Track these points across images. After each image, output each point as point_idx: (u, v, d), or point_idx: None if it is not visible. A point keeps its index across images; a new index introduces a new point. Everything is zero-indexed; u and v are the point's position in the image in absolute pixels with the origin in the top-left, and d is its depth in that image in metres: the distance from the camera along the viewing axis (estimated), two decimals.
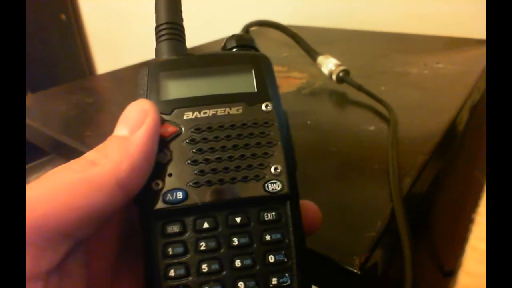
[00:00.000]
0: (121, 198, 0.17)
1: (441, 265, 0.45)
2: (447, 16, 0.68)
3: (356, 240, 0.24)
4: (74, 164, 0.17)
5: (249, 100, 0.19)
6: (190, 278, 0.17)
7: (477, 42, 0.59)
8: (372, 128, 0.37)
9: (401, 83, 0.47)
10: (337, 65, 0.46)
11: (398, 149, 0.32)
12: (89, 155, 0.17)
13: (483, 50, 0.56)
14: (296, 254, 0.18)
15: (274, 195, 0.18)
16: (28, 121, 0.44)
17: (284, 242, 0.18)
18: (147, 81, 0.19)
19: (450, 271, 0.44)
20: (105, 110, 0.47)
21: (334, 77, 0.45)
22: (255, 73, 0.20)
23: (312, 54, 0.49)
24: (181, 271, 0.17)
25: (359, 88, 0.43)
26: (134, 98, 0.19)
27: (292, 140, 0.20)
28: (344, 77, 0.45)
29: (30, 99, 0.51)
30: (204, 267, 0.17)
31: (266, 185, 0.18)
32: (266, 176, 0.18)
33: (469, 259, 0.18)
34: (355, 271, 0.22)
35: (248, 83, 0.20)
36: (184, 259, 0.17)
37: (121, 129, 0.18)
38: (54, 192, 0.15)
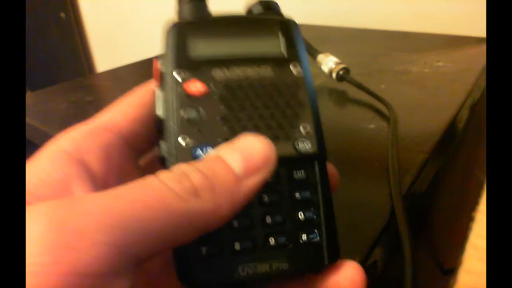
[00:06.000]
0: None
1: (441, 263, 0.45)
2: (447, 14, 0.68)
3: (356, 238, 0.24)
4: (177, 184, 0.15)
5: (278, 61, 0.20)
6: (221, 234, 0.17)
7: (477, 40, 0.59)
8: (372, 126, 0.37)
9: (401, 81, 0.47)
10: (337, 63, 0.46)
11: (398, 148, 0.32)
12: (195, 179, 0.15)
13: (483, 48, 0.56)
14: (325, 212, 0.18)
15: (304, 154, 0.18)
16: (27, 119, 0.44)
17: (313, 200, 0.18)
18: (176, 40, 0.19)
19: (450, 270, 0.44)
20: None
21: (334, 75, 0.45)
22: (284, 36, 0.20)
23: (312, 53, 0.49)
24: None
25: (359, 86, 0.43)
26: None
27: (317, 103, 0.20)
28: (344, 75, 0.45)
29: (29, 98, 0.51)
30: (236, 224, 0.17)
31: (296, 143, 0.18)
32: (296, 136, 0.18)
33: (469, 257, 0.18)
34: None
35: (277, 45, 0.20)
36: None
37: (236, 162, 0.16)
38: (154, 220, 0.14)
